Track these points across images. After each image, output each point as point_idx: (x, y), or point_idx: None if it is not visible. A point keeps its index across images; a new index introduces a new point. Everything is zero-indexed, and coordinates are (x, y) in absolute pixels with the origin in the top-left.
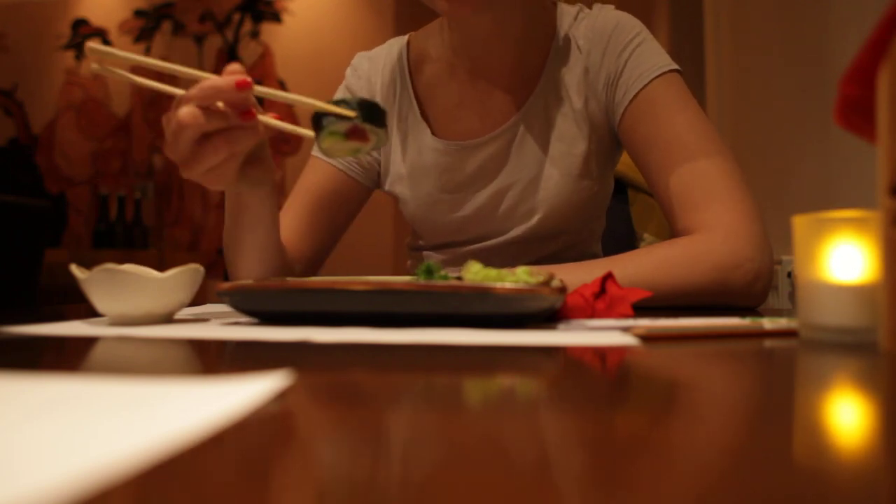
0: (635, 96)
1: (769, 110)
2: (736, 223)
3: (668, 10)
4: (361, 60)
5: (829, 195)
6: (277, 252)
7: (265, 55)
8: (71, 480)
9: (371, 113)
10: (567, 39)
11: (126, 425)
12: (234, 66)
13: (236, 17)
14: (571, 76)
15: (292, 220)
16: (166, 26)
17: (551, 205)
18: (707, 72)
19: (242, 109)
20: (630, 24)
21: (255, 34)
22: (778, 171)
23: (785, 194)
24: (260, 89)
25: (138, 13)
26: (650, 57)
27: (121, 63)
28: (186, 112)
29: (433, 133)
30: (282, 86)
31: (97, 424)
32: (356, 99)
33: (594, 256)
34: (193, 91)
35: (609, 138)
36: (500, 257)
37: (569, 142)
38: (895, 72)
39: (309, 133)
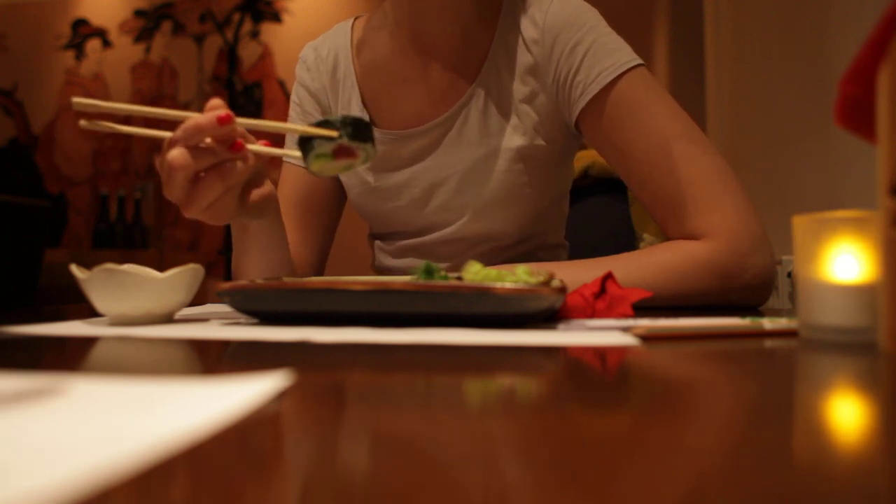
0: (598, 97)
1: (769, 110)
2: (736, 227)
3: (668, 10)
4: (308, 52)
5: (829, 195)
6: (290, 271)
7: (265, 55)
8: (71, 480)
9: (355, 130)
10: (513, 27)
11: (126, 425)
12: (214, 102)
13: (236, 17)
14: (517, 67)
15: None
16: (166, 26)
17: (487, 199)
18: (707, 72)
19: (230, 143)
20: (583, 15)
21: (255, 34)
22: (778, 171)
23: (785, 194)
24: (241, 121)
25: (138, 13)
26: (609, 53)
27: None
28: (175, 154)
29: (372, 120)
30: (282, 86)
31: (97, 424)
32: (339, 117)
33: (557, 247)
34: (178, 133)
35: (562, 135)
36: (453, 249)
37: (508, 135)
38: (895, 72)
39: (299, 154)
